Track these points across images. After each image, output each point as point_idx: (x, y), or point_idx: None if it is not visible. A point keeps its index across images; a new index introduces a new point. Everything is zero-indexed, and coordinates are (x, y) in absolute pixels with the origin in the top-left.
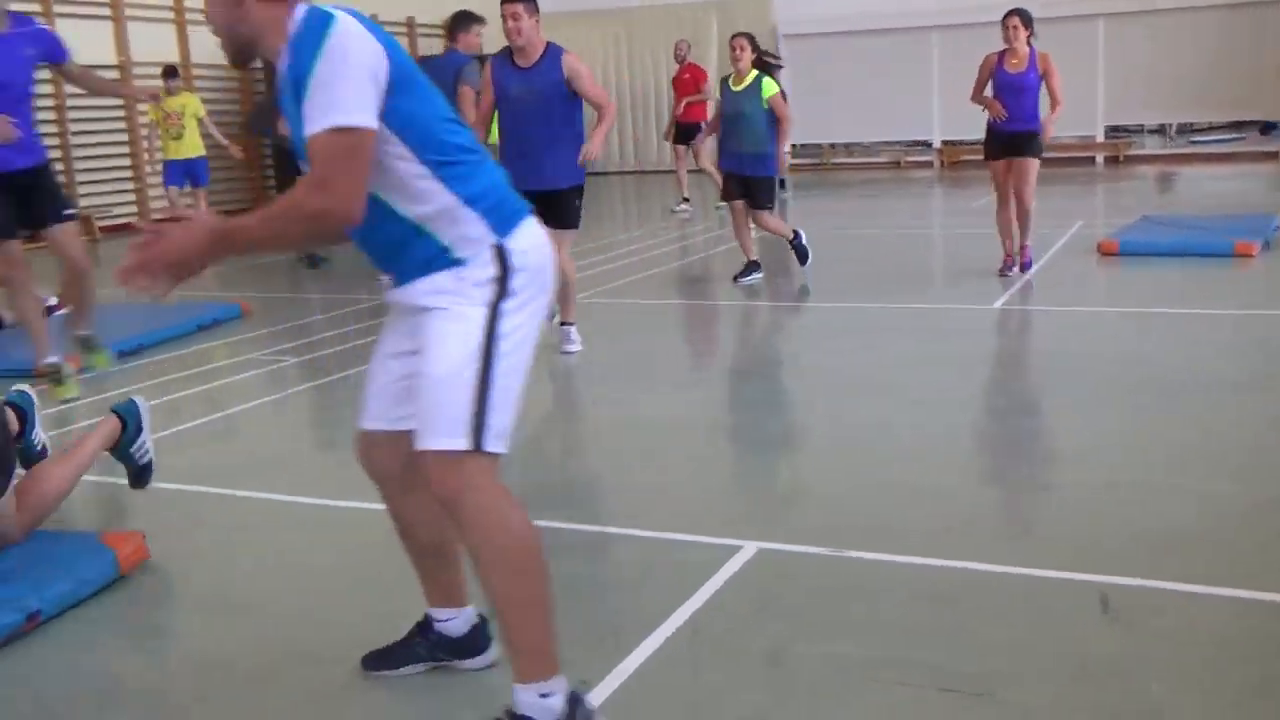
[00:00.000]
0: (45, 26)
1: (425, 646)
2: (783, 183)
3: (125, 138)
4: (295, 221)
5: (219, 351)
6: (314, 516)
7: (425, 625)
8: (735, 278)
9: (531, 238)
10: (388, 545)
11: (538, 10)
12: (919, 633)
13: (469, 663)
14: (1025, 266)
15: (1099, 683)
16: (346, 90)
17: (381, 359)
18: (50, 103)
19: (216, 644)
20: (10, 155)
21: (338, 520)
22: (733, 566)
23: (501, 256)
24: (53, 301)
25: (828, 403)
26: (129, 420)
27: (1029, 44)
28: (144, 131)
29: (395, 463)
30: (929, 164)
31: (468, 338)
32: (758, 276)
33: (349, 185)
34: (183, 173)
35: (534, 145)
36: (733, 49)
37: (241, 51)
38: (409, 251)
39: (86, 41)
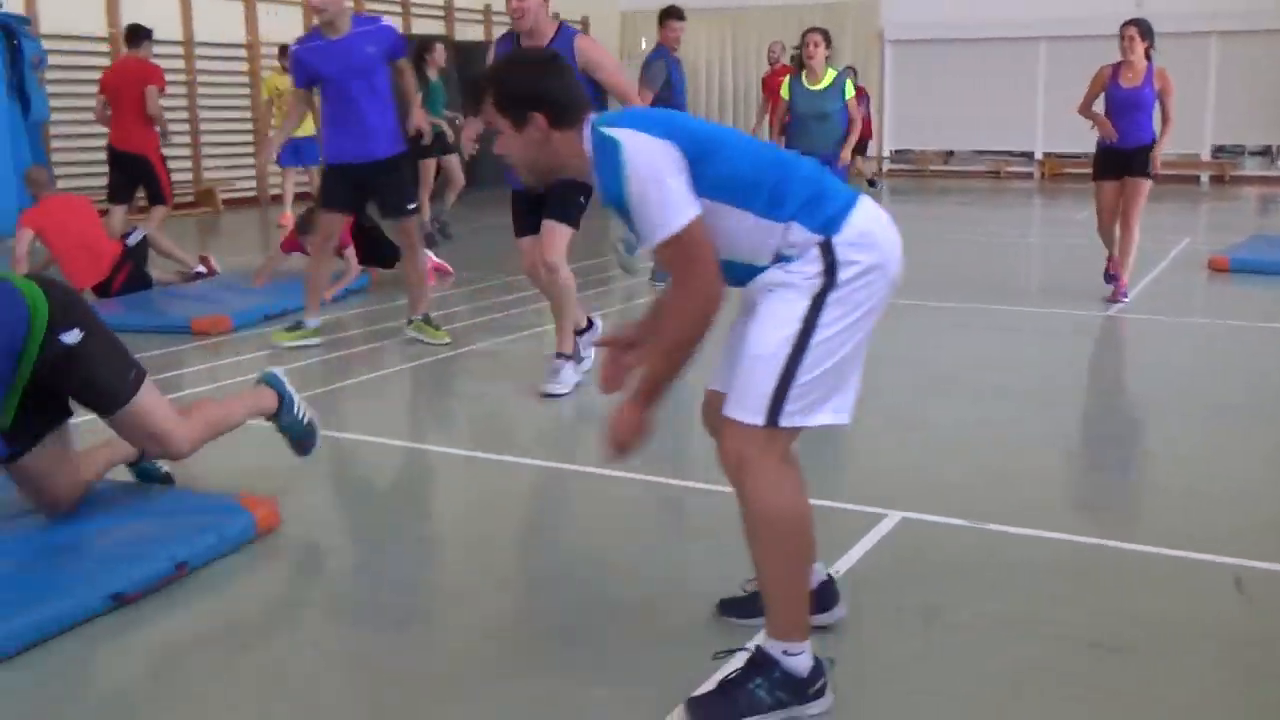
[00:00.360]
0: (388, 24)
1: None
2: (873, 182)
3: (249, 114)
4: (686, 332)
5: (352, 320)
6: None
7: None
8: None
9: (862, 224)
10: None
11: None
12: (1061, 599)
13: (820, 618)
14: (1121, 296)
15: (1237, 650)
16: (662, 201)
17: (734, 327)
18: (182, 78)
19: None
20: (361, 148)
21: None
22: (880, 531)
23: (828, 251)
24: (201, 269)
25: (940, 395)
26: (282, 390)
27: (1147, 57)
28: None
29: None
30: (1029, 175)
31: (786, 326)
32: None
33: (705, 273)
34: (292, 151)
35: None
36: (807, 45)
37: (545, 179)
38: (749, 272)
39: (219, 20)
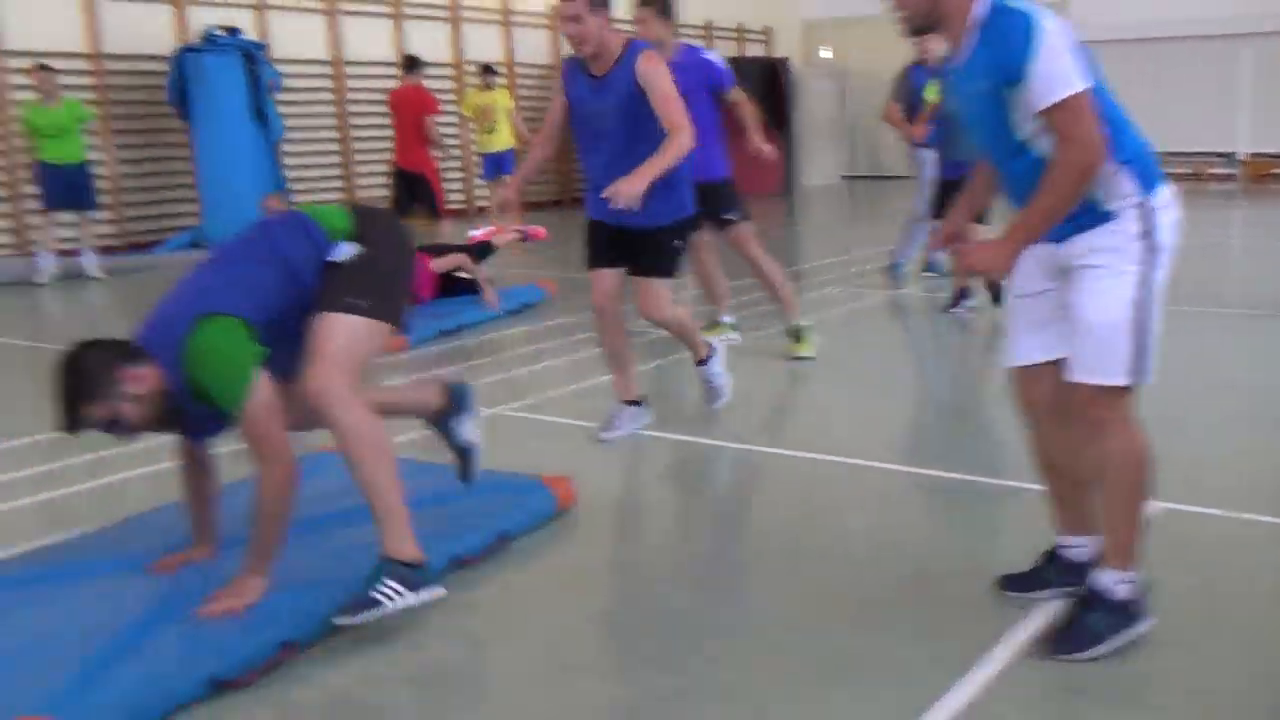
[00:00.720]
0: (710, 57)
1: (1054, 572)
2: None
3: (455, 130)
4: (1070, 184)
5: (538, 334)
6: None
7: (1053, 554)
8: (946, 307)
9: (1167, 194)
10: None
11: (606, 5)
12: None
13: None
14: None
15: None
16: (1067, 68)
17: (1021, 300)
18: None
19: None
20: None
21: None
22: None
23: (1146, 213)
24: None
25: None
26: (458, 399)
27: None
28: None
29: (1047, 393)
30: (1231, 176)
31: (1123, 292)
32: (969, 305)
33: (1093, 137)
34: (494, 165)
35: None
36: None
37: (920, 29)
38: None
39: (427, 42)
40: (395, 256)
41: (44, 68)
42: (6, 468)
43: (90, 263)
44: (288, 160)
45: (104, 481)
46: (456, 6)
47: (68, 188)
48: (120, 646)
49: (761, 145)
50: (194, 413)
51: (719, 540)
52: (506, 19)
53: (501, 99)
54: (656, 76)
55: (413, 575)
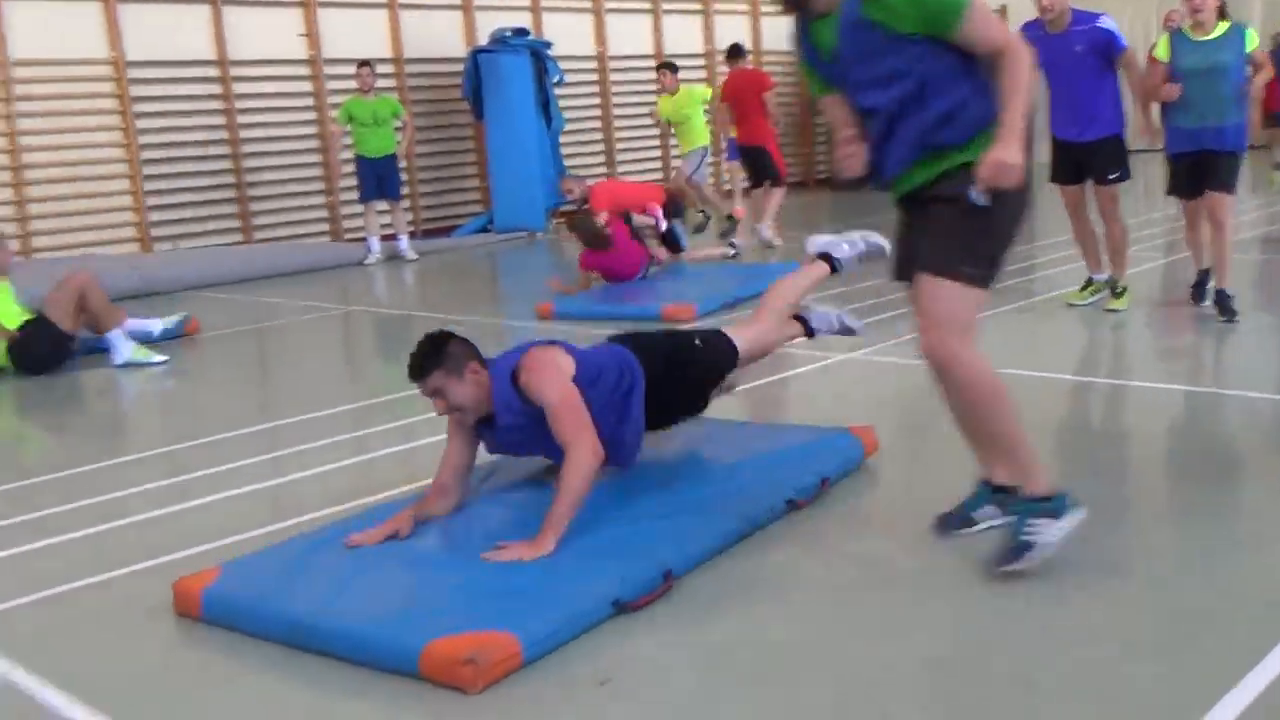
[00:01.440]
0: (1103, 25)
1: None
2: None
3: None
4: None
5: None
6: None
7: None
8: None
9: None
10: None
11: None
12: None
13: None
14: None
15: None
16: None
17: None
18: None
19: None
20: (1078, 129)
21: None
22: None
23: None
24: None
25: None
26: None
27: None
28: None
29: None
30: None
31: None
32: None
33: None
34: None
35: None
36: None
37: None
38: None
39: (681, 33)
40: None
41: (366, 64)
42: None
43: (405, 246)
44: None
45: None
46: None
47: (379, 179)
48: (529, 574)
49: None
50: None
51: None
52: (755, 8)
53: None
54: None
55: (1054, 506)
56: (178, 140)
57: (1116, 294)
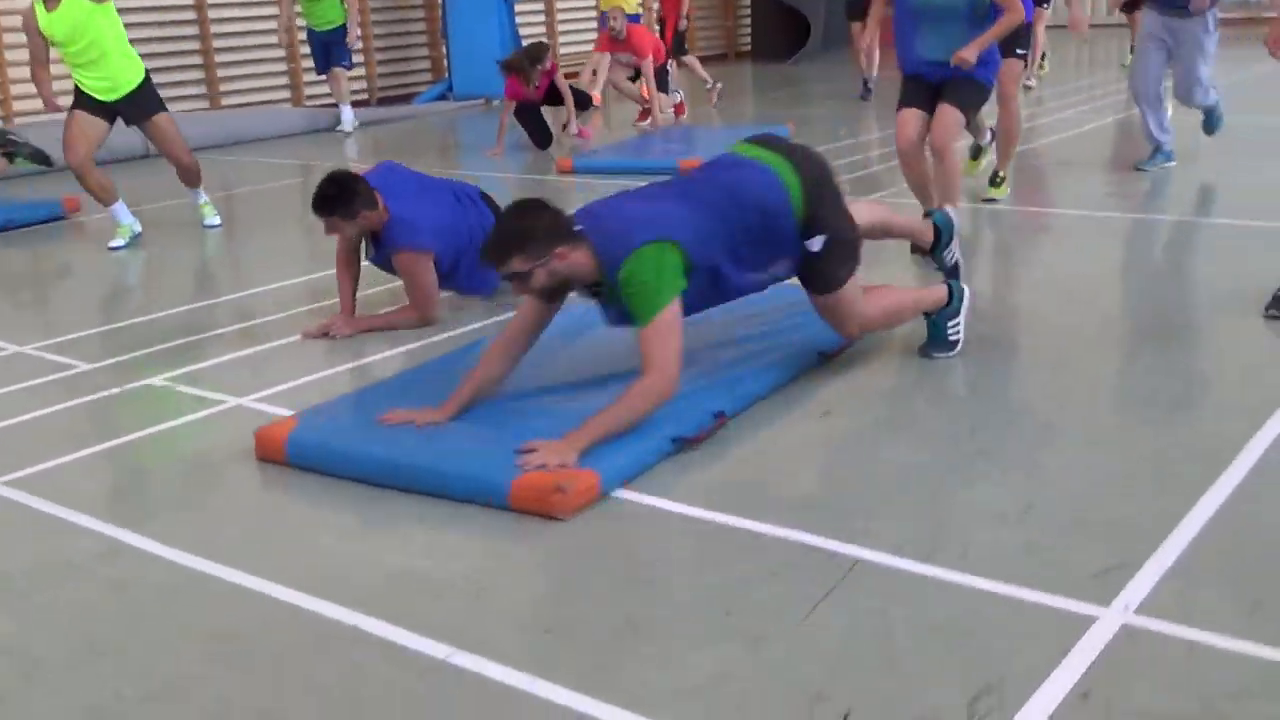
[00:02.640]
0: None
1: None
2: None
3: None
4: None
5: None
6: None
7: None
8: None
9: None
10: None
11: None
12: None
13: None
14: None
15: None
16: None
17: None
18: None
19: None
20: None
21: None
22: None
23: None
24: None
25: None
26: (943, 227)
27: None
28: None
29: None
30: None
31: None
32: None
33: None
34: None
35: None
36: None
37: None
38: None
39: None
40: (844, 227)
41: None
42: None
43: (348, 117)
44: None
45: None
46: None
47: (326, 50)
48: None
49: None
50: (603, 306)
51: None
52: None
53: None
54: None
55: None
56: (146, 5)
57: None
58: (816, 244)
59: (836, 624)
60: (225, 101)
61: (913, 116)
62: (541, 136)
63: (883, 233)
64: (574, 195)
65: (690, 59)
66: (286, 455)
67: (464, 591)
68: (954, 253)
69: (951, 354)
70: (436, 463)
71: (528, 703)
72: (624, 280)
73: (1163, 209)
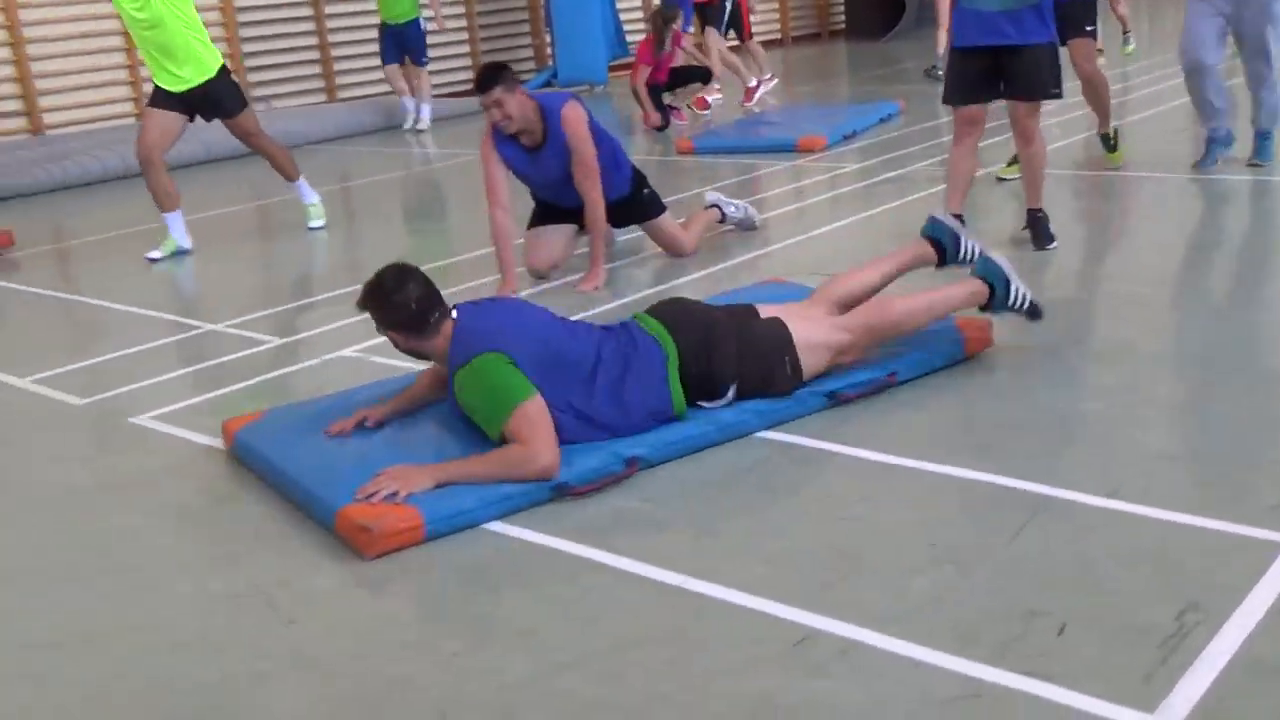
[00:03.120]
0: None
1: None
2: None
3: None
4: None
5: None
6: None
7: None
8: None
9: None
10: None
11: None
12: None
13: None
14: None
15: None
16: None
17: None
18: None
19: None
20: None
21: None
22: None
23: None
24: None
25: None
26: (995, 283)
27: None
28: None
29: None
30: None
31: None
32: None
33: None
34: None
35: None
36: None
37: None
38: None
39: None
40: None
41: None
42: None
43: (425, 115)
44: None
45: None
46: None
47: (400, 44)
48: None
49: None
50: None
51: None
52: None
53: None
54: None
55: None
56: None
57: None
58: (728, 396)
59: (1036, 551)
60: (342, 95)
61: (970, 118)
62: (661, 118)
63: (902, 326)
64: (696, 174)
65: (753, 44)
66: (233, 450)
67: (685, 530)
68: (1020, 294)
69: (1042, 312)
70: (300, 478)
71: (761, 619)
72: (460, 384)
73: None
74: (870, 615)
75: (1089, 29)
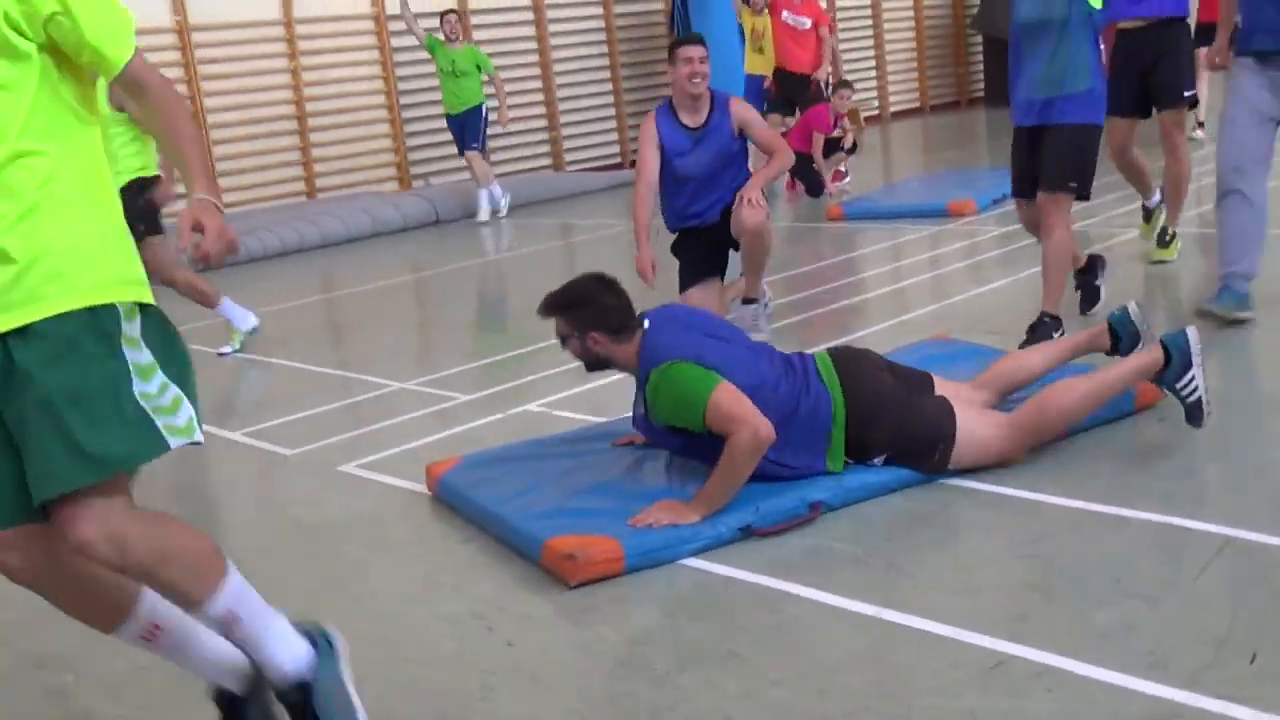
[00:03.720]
0: None
1: None
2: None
3: None
4: None
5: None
6: None
7: None
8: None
9: None
10: None
11: None
12: None
13: None
14: None
15: None
16: None
17: None
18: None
19: None
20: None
21: None
22: None
23: None
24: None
25: None
26: (1173, 353)
27: None
28: None
29: None
30: None
31: None
32: None
33: None
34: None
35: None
36: None
37: None
38: None
39: None
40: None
41: (451, 11)
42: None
43: (496, 195)
44: None
45: None
46: None
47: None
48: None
49: None
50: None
51: None
52: None
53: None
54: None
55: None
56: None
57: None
58: (876, 464)
59: (1223, 587)
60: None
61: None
62: (814, 183)
63: (1060, 429)
64: (848, 240)
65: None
66: (437, 492)
67: (875, 566)
68: (1194, 383)
69: (1204, 419)
70: (506, 514)
71: (956, 646)
72: (654, 388)
73: None
74: (1062, 643)
75: (1186, 94)
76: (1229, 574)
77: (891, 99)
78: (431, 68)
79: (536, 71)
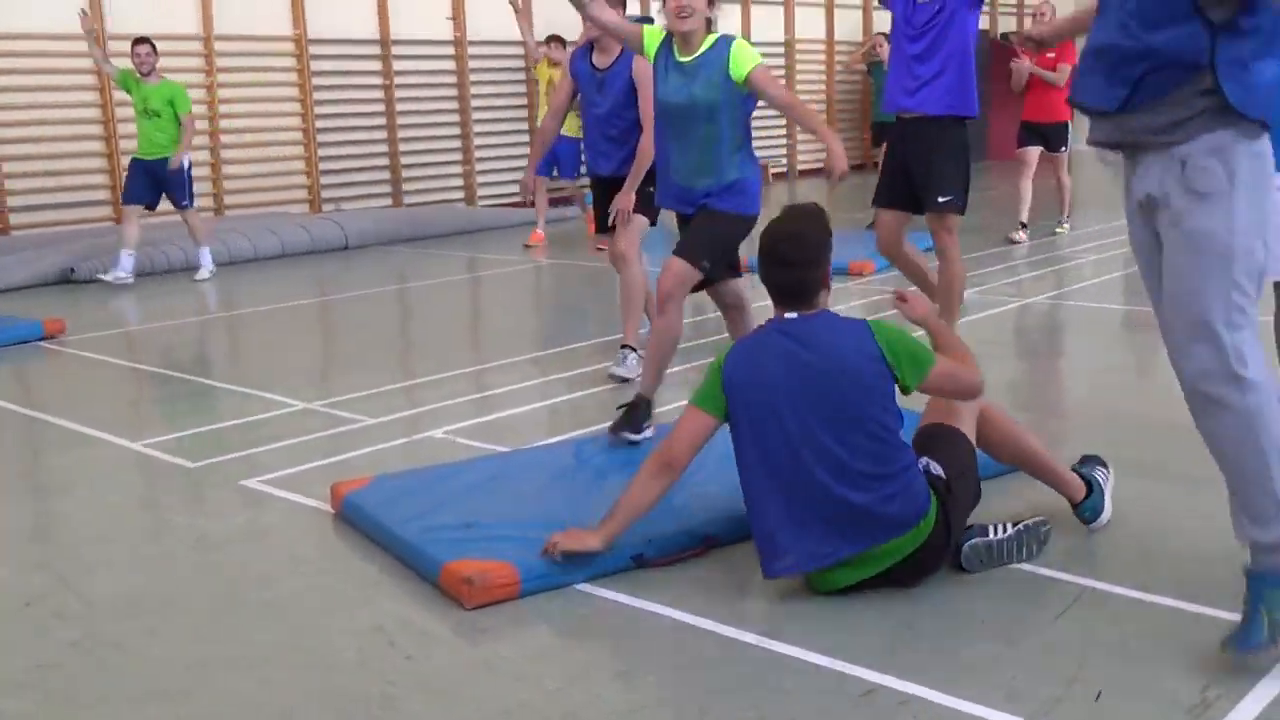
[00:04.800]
0: None
1: None
2: None
3: None
4: None
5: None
6: None
7: None
8: None
9: None
10: None
11: None
12: None
13: None
14: None
15: None
16: None
17: None
18: None
19: None
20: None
21: None
22: None
23: None
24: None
25: None
26: (1094, 489)
27: None
28: None
29: None
30: None
31: None
32: None
33: None
34: None
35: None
36: None
37: None
38: None
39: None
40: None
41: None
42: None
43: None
44: None
45: None
46: None
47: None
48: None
49: None
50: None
51: None
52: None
53: None
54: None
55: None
56: (345, 111)
57: None
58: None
59: (1076, 631)
60: (407, 200)
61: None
62: None
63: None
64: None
65: None
66: (341, 510)
67: (761, 598)
68: (1101, 518)
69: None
70: (408, 536)
71: (830, 675)
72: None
73: None
74: (928, 675)
75: (942, 200)
76: (1082, 619)
77: (800, 157)
78: (349, 94)
79: (455, 105)
